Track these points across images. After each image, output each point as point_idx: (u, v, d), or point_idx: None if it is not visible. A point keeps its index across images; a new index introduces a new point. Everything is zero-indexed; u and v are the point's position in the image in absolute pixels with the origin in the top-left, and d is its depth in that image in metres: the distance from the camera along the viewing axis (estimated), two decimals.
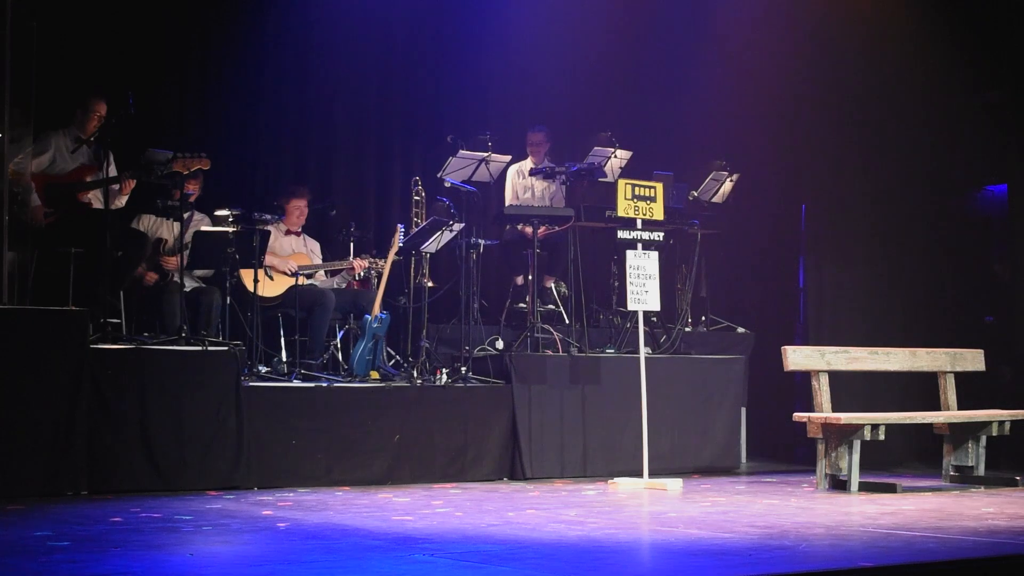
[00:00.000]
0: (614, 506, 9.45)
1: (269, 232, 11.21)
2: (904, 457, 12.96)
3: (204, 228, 10.93)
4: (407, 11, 13.56)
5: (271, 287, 11.34)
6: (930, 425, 11.24)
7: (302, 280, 11.45)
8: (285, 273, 11.46)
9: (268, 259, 11.30)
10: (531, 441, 11.47)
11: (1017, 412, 10.75)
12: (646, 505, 9.57)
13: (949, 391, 11.54)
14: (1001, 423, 11.08)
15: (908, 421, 10.98)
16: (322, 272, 11.84)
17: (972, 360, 11.68)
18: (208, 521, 8.21)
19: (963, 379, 11.69)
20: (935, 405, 11.55)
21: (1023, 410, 10.64)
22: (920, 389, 12.16)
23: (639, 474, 10.85)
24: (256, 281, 10.81)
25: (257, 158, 12.83)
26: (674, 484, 10.64)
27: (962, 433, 11.17)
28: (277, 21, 12.91)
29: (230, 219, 10.89)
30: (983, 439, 11.16)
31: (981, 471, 11.18)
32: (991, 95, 13.49)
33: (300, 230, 11.88)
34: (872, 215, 13.74)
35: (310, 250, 11.87)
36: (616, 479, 10.91)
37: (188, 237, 10.77)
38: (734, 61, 14.18)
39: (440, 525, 8.19)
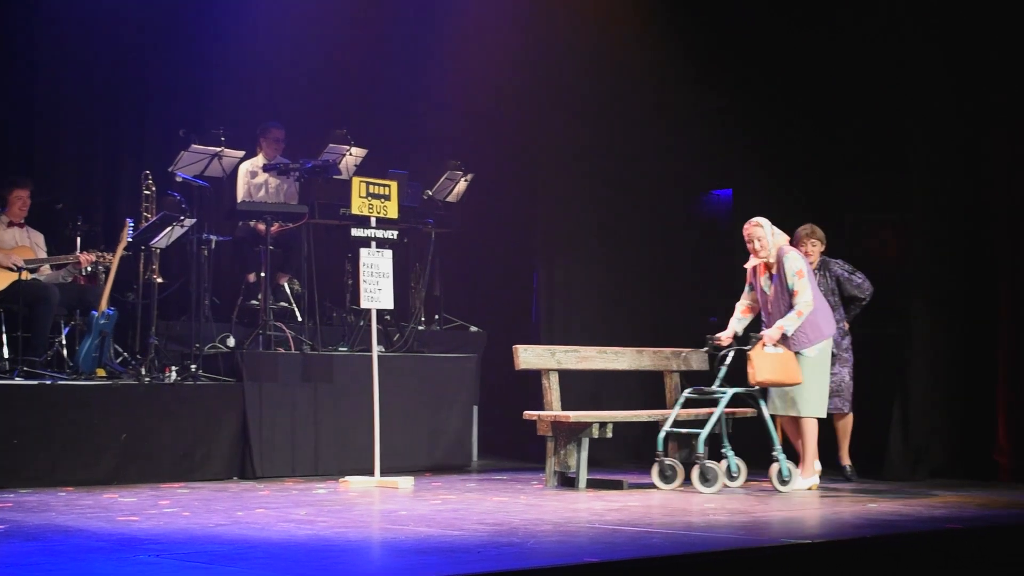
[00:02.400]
0: (345, 505, 9.42)
1: None
2: (633, 454, 13.21)
3: None
4: (140, 2, 13.27)
5: None
6: (657, 423, 11.46)
7: (25, 275, 11.12)
8: (9, 268, 11.11)
9: None
10: (262, 440, 11.35)
11: (741, 410, 11.04)
12: (377, 503, 9.56)
13: (675, 389, 11.80)
14: (729, 420, 11.36)
15: (635, 419, 11.20)
16: (47, 266, 11.51)
17: (697, 359, 11.97)
18: None
19: (689, 378, 11.97)
20: (664, 403, 11.80)
21: (747, 408, 10.92)
22: (651, 387, 12.38)
23: (371, 472, 10.84)
24: None
25: None
26: (405, 482, 10.65)
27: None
28: (2, 5, 12.49)
29: None
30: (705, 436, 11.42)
31: None
32: (718, 101, 13.85)
33: (23, 222, 11.53)
34: (603, 216, 13.96)
35: (34, 243, 11.54)
36: (347, 477, 10.87)
37: None
38: (470, 61, 14.27)
39: (167, 525, 8.05)
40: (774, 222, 11.22)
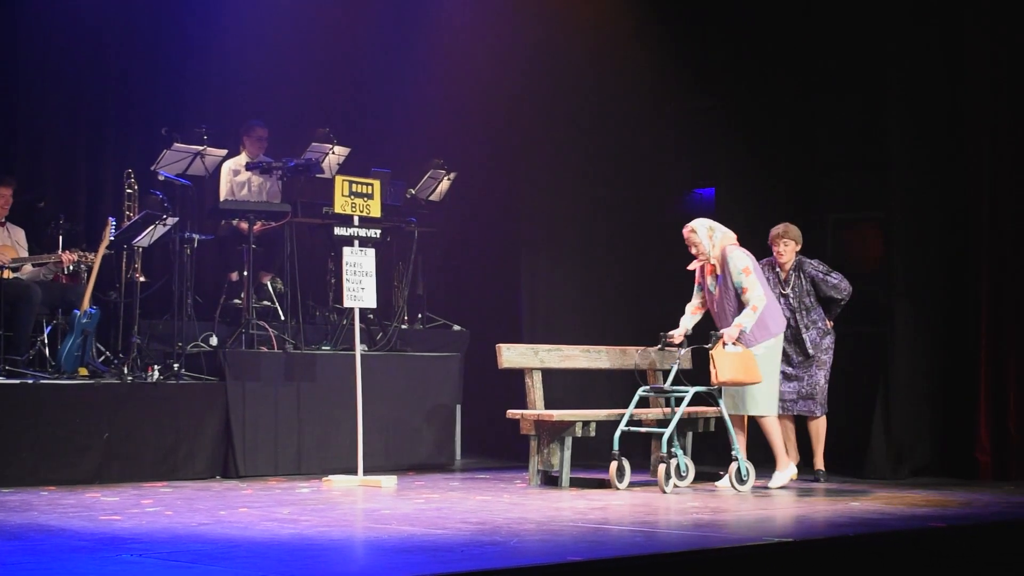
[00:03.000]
0: (328, 504, 9.42)
1: None
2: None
3: None
4: (123, 1, 13.23)
5: None
6: (640, 421, 11.46)
7: (7, 273, 11.08)
8: None
9: None
10: (245, 439, 11.34)
11: (703, 409, 11.04)
12: (360, 502, 9.56)
13: None
14: (707, 420, 11.38)
15: (618, 418, 11.17)
16: (28, 264, 11.48)
17: (681, 358, 11.95)
18: None
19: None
20: (647, 402, 11.78)
21: (708, 407, 10.93)
22: (635, 386, 12.37)
23: (354, 471, 10.84)
24: None
25: None
26: (388, 481, 10.65)
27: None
28: None
29: None
30: (689, 436, 11.44)
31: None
32: (702, 101, 13.87)
33: (4, 220, 11.49)
34: (586, 215, 13.97)
35: (15, 241, 11.50)
36: (330, 476, 10.87)
37: None
38: (453, 60, 14.25)
39: (149, 525, 8.04)
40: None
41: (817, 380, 11.26)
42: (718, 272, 10.67)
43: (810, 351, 11.17)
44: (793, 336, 11.24)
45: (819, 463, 11.38)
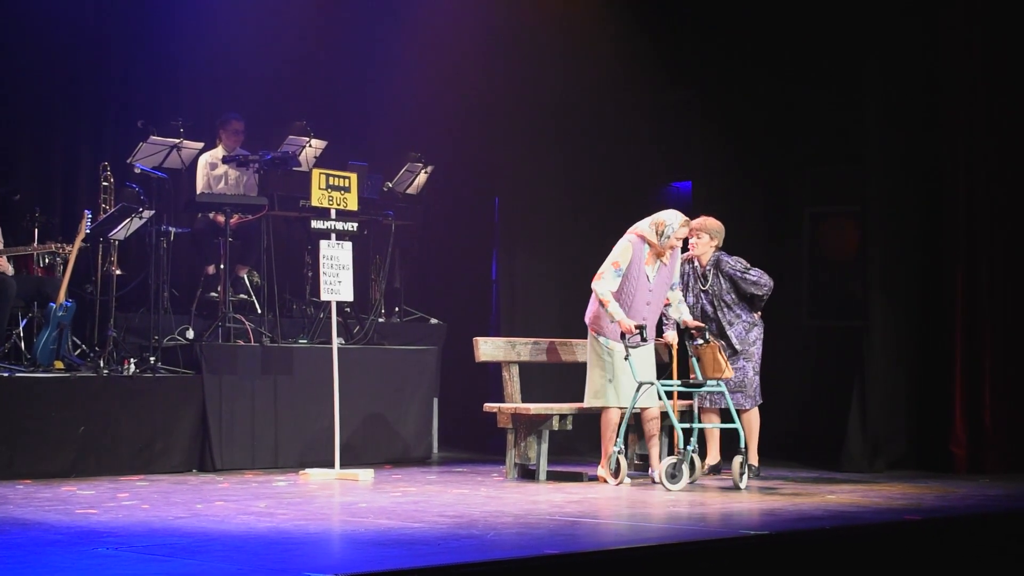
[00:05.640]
0: (305, 497, 9.41)
1: None
2: (594, 446, 13.22)
3: None
4: None
5: None
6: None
7: None
8: None
9: None
10: (221, 432, 11.32)
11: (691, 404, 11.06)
12: (337, 496, 9.56)
13: None
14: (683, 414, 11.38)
15: (595, 411, 11.18)
16: (3, 258, 11.43)
17: (658, 351, 11.96)
18: None
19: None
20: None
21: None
22: None
23: (331, 465, 10.83)
24: None
25: None
26: (365, 474, 10.65)
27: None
28: None
29: None
30: (669, 429, 11.42)
31: None
32: (679, 94, 13.88)
33: None
34: (565, 208, 13.96)
35: None
36: (307, 470, 10.86)
37: None
38: (430, 53, 14.24)
39: (126, 518, 8.03)
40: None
41: (746, 372, 11.07)
42: (664, 263, 10.50)
43: (737, 347, 11.04)
44: (718, 331, 11.13)
45: (753, 457, 11.24)
